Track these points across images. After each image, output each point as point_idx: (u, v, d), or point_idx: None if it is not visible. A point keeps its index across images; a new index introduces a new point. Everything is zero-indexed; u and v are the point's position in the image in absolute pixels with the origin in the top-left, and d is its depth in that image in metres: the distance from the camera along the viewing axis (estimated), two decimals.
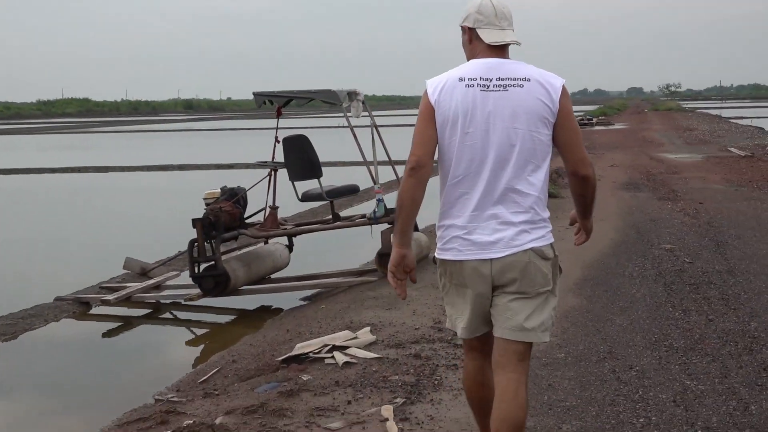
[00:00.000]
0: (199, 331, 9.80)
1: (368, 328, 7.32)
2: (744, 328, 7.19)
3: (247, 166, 29.43)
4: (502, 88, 3.87)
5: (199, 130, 64.53)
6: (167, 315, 10.33)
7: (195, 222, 9.71)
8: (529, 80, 3.89)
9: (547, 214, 4.00)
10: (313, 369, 6.48)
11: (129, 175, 29.27)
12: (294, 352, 6.80)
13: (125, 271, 11.68)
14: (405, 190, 3.94)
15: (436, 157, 3.99)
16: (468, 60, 4.06)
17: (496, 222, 3.88)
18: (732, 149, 29.38)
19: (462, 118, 3.88)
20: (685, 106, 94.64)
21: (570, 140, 3.95)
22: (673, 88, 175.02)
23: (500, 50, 3.99)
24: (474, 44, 4.03)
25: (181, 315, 10.37)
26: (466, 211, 3.93)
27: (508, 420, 3.88)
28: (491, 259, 3.89)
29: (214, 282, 9.77)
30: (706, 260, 10.17)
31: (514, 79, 3.89)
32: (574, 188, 4.09)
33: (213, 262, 9.77)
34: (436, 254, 4.11)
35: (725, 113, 73.52)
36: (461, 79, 3.91)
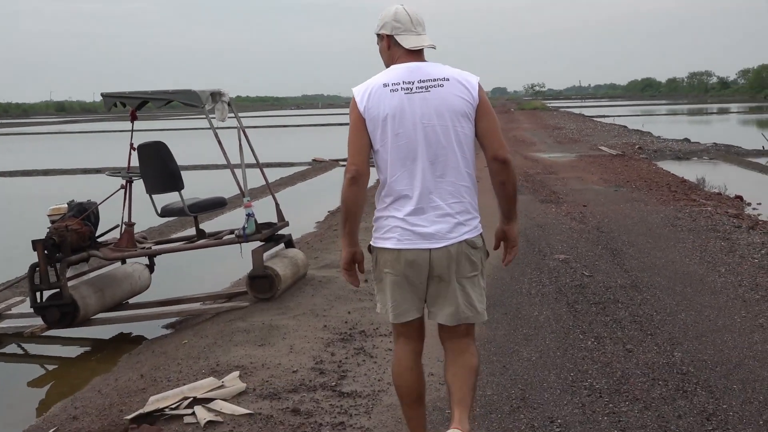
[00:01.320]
0: (46, 368, 8.51)
1: (237, 373, 6.18)
2: (668, 360, 6.35)
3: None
4: (424, 89, 4.16)
5: (71, 133, 62.12)
6: (11, 347, 8.96)
7: (35, 244, 8.39)
8: (448, 80, 4.18)
9: (476, 201, 4.30)
10: (168, 430, 5.33)
11: (6, 180, 27.46)
12: (146, 408, 5.62)
13: None
14: (349, 198, 4.18)
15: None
16: (387, 65, 4.33)
17: (434, 214, 4.17)
18: (603, 148, 29.41)
19: (391, 121, 4.13)
20: (549, 105, 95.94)
21: (490, 128, 4.23)
22: (537, 88, 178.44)
23: (418, 54, 4.28)
24: (393, 50, 4.29)
25: (29, 347, 9.05)
26: (407, 205, 4.16)
27: (465, 366, 4.31)
28: (430, 249, 4.17)
29: (60, 313, 8.46)
30: (606, 273, 9.41)
31: (434, 80, 4.18)
32: (495, 174, 4.27)
33: (58, 290, 8.45)
34: (372, 243, 4.32)
35: (586, 112, 74.85)
36: (386, 85, 4.17)
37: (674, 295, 8.34)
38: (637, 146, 30.04)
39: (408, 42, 4.24)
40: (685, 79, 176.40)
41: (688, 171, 21.74)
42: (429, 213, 4.16)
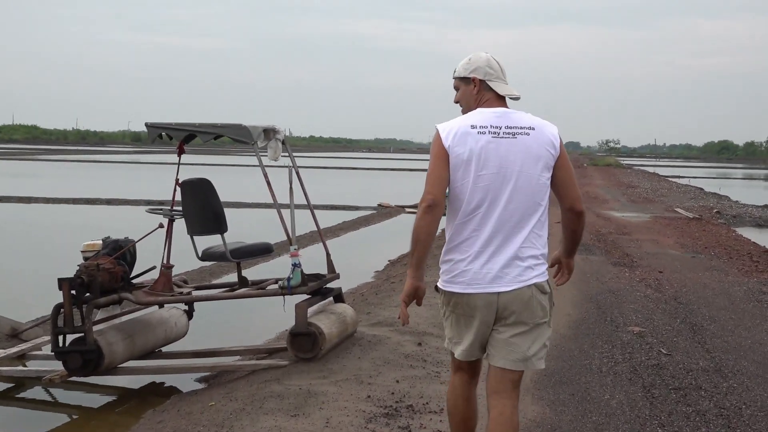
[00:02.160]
0: (62, 418, 7.81)
1: None
2: None
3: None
4: (511, 136, 4.27)
5: (144, 163, 62.45)
6: (34, 390, 8.27)
7: (61, 282, 7.71)
8: (534, 129, 4.30)
9: (546, 251, 4.38)
10: None
11: (51, 207, 27.55)
12: None
13: None
14: (421, 227, 4.24)
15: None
16: (467, 109, 4.43)
17: (505, 258, 4.24)
18: (679, 210, 28.28)
19: (475, 162, 4.23)
20: (622, 162, 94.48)
21: (568, 180, 4.37)
22: (611, 144, 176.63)
23: (504, 101, 4.42)
24: (480, 94, 4.42)
25: (53, 391, 8.35)
26: (476, 246, 4.25)
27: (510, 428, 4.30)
28: (498, 293, 4.25)
29: (83, 359, 7.75)
30: (686, 352, 8.47)
31: (521, 127, 4.29)
32: (569, 224, 4.48)
33: (82, 334, 7.75)
34: (440, 285, 4.41)
35: (661, 171, 73.35)
36: (473, 126, 4.28)
37: (765, 384, 7.40)
38: (714, 210, 28.83)
39: (501, 89, 4.41)
40: (764, 143, 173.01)
41: None
42: (500, 257, 4.24)
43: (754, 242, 19.35)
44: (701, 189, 44.34)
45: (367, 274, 15.24)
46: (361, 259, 17.46)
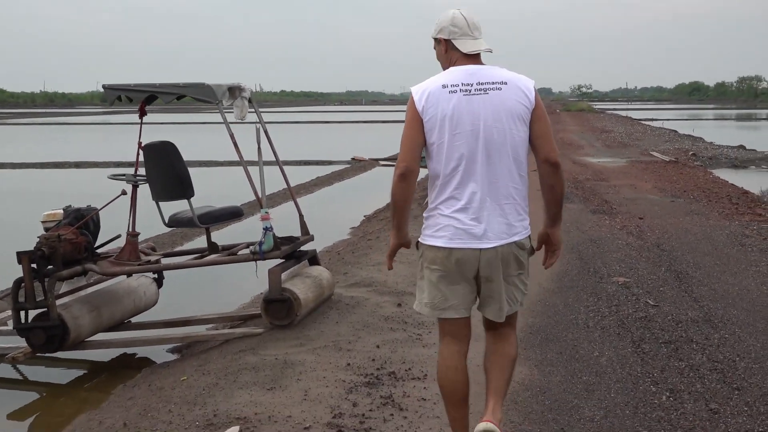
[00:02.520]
0: (30, 396, 7.47)
1: (237, 429, 5.07)
2: (766, 428, 5.17)
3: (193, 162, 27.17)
4: (482, 92, 4.24)
5: (114, 124, 61.56)
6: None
7: (20, 256, 7.32)
8: (506, 83, 4.27)
9: (526, 205, 4.38)
10: None
11: (18, 172, 26.92)
12: None
13: None
14: (397, 193, 4.29)
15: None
16: (444, 69, 4.41)
17: (486, 214, 4.23)
18: (654, 153, 28.08)
19: (449, 121, 4.21)
20: (595, 107, 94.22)
21: (544, 132, 4.32)
22: (584, 89, 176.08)
23: (475, 58, 4.37)
24: (450, 54, 4.39)
25: (22, 367, 8.02)
26: (458, 204, 4.24)
27: (505, 354, 4.48)
28: (480, 249, 4.25)
29: (46, 335, 7.39)
30: (673, 302, 8.22)
31: (493, 83, 4.26)
32: (546, 179, 4.36)
33: (45, 309, 7.38)
34: (420, 240, 4.40)
35: (633, 114, 73.20)
36: (444, 86, 4.26)
37: (757, 334, 7.14)
38: (690, 152, 28.61)
39: (465, 46, 4.34)
40: (735, 84, 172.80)
41: (747, 181, 20.33)
42: (481, 213, 4.24)
43: (732, 184, 19.13)
44: (675, 131, 44.14)
45: (342, 231, 14.89)
46: (337, 215, 17.11)
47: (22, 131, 57.20)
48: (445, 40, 4.38)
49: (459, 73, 4.29)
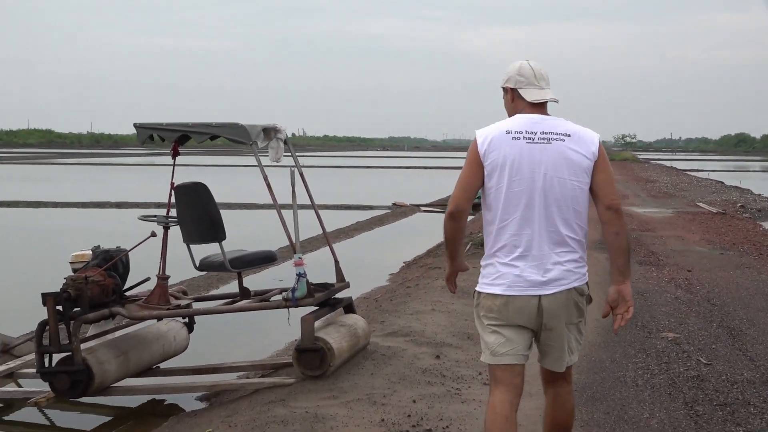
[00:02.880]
0: None
1: None
2: None
3: (224, 204, 27.04)
4: (546, 141, 4.30)
5: (160, 165, 61.67)
6: (24, 412, 7.60)
7: (45, 297, 7.06)
8: (569, 135, 4.34)
9: (585, 255, 4.42)
10: None
11: (60, 211, 27.08)
12: None
13: None
14: (448, 231, 4.44)
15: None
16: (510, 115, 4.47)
17: (544, 262, 4.27)
18: (701, 204, 27.51)
19: (509, 167, 4.26)
20: (639, 156, 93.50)
21: (606, 180, 4.36)
22: (628, 139, 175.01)
23: (540, 107, 4.43)
24: (516, 102, 4.46)
25: (48, 411, 7.72)
26: (517, 251, 4.27)
27: (562, 424, 4.59)
28: (540, 296, 4.27)
29: (71, 380, 7.10)
30: (728, 361, 7.79)
31: (556, 133, 4.33)
32: (609, 225, 4.35)
33: (69, 353, 7.10)
34: (478, 289, 4.42)
35: (677, 165, 72.44)
36: (508, 132, 4.31)
37: None
38: (738, 204, 28.04)
39: (531, 95, 4.40)
40: None
41: None
42: (541, 260, 4.26)
43: None
44: (722, 182, 43.46)
45: (381, 277, 14.56)
46: (375, 261, 16.80)
47: (68, 171, 57.64)
48: (511, 89, 4.45)
49: (524, 120, 4.34)
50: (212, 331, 9.85)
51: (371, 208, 28.44)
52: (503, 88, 4.52)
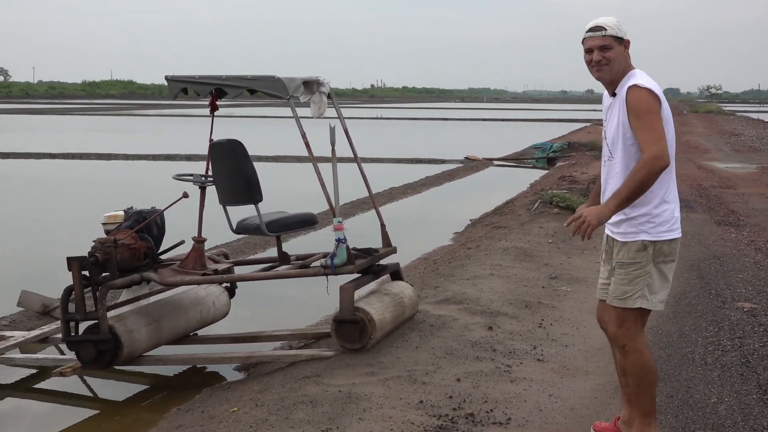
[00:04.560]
0: (83, 413, 6.83)
1: None
2: None
3: (270, 158, 26.54)
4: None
5: (240, 117, 61.57)
6: (57, 379, 7.23)
7: (71, 262, 6.67)
8: None
9: None
10: None
11: (131, 164, 27.07)
12: None
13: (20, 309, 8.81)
14: (651, 182, 4.38)
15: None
16: (620, 68, 4.61)
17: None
18: None
19: (668, 125, 4.53)
20: (724, 108, 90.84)
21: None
22: (713, 90, 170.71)
23: None
24: (626, 53, 4.65)
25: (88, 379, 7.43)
26: (675, 193, 4.64)
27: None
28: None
29: (97, 350, 6.73)
30: None
31: None
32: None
33: (95, 321, 6.71)
34: (654, 238, 4.53)
35: (765, 117, 70.03)
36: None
37: None
38: None
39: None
40: None
41: None
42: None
43: None
44: None
45: (445, 235, 13.99)
46: (441, 218, 16.22)
47: (147, 122, 57.91)
48: (628, 41, 4.64)
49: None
50: (255, 296, 9.42)
51: (443, 162, 27.80)
52: (620, 38, 4.58)
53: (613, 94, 4.63)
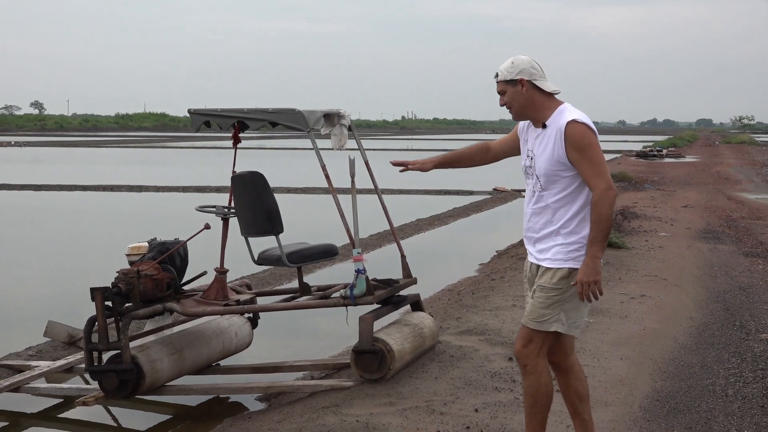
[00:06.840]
0: None
1: None
2: None
3: (298, 190, 26.72)
4: None
5: (270, 149, 61.96)
6: (81, 408, 7.28)
7: (94, 292, 6.77)
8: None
9: None
10: None
11: (161, 195, 27.08)
12: None
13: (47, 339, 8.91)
14: (611, 213, 4.55)
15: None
16: (522, 107, 4.74)
17: None
18: None
19: None
20: (757, 139, 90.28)
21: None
22: (745, 121, 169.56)
23: (555, 98, 4.77)
24: (530, 93, 4.68)
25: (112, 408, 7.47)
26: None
27: (586, 392, 4.93)
28: None
29: (119, 380, 6.81)
30: None
31: None
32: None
33: (118, 351, 6.79)
34: (574, 265, 4.64)
35: None
36: None
37: None
38: None
39: (548, 87, 4.70)
40: None
41: None
42: None
43: None
44: None
45: (471, 267, 13.99)
46: (467, 250, 16.22)
47: (178, 155, 58.30)
48: (527, 81, 4.67)
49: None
50: (277, 326, 9.47)
51: (471, 193, 27.80)
52: (512, 80, 4.65)
53: (543, 126, 4.69)
